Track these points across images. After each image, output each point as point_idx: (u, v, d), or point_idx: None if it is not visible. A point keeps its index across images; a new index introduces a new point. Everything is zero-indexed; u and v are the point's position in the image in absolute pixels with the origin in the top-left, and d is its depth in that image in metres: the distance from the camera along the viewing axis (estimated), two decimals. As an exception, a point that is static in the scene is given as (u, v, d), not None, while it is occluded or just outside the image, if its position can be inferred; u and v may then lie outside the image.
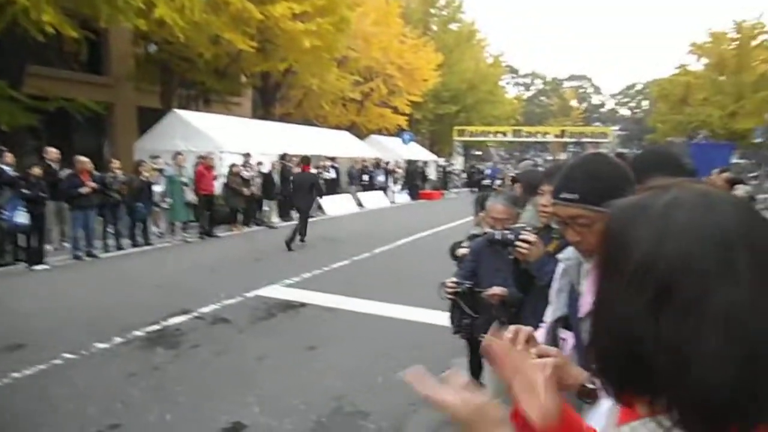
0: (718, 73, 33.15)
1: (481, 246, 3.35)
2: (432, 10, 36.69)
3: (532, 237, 2.39)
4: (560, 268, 1.65)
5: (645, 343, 0.59)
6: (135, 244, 10.34)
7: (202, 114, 17.30)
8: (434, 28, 36.14)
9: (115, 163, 10.08)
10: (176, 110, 15.91)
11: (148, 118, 17.92)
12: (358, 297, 7.03)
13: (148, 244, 10.52)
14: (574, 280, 1.56)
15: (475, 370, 4.09)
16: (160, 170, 11.05)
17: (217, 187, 12.57)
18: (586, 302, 1.47)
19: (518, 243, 2.40)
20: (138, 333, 5.49)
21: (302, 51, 16.79)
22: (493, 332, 1.01)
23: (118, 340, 5.29)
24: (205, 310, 6.31)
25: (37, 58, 16.87)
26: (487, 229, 3.64)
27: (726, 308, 0.56)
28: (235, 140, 15.07)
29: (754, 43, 31.89)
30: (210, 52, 16.09)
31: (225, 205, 12.78)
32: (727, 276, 0.57)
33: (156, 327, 5.69)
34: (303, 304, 6.64)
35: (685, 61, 35.94)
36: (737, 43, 32.33)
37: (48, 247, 9.05)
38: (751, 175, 23.10)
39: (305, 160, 11.27)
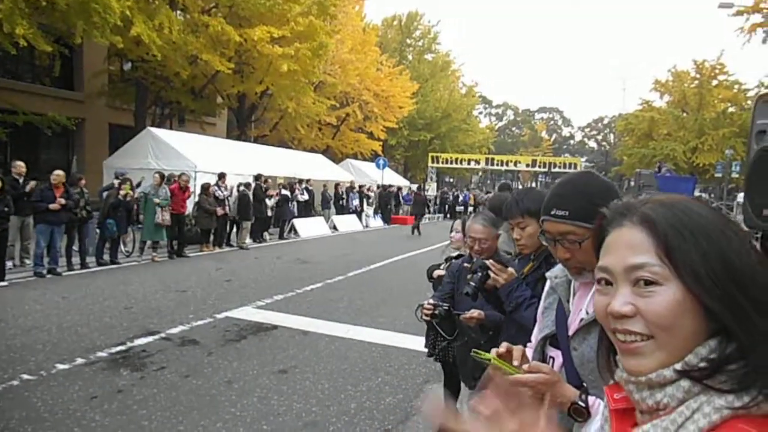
0: (681, 109, 34.60)
1: (458, 268, 3.37)
2: (408, 41, 37.52)
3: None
4: (547, 286, 1.67)
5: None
6: (101, 263, 10.03)
7: (176, 132, 17.12)
8: (410, 57, 36.90)
9: (81, 178, 9.82)
10: (150, 128, 15.70)
11: (120, 136, 17.67)
12: (331, 320, 6.95)
13: (114, 263, 10.22)
14: (563, 298, 1.57)
15: (452, 394, 4.07)
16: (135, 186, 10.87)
17: (189, 206, 12.38)
18: (576, 320, 1.48)
19: (491, 267, 2.44)
20: (102, 354, 5.29)
21: (280, 74, 16.88)
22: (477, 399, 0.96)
23: (80, 361, 5.08)
24: (173, 331, 6.13)
25: (7, 72, 16.55)
26: (464, 251, 3.69)
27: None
28: (209, 160, 14.92)
29: (714, 82, 33.46)
30: (187, 71, 16.05)
31: (195, 225, 12.55)
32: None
33: (121, 348, 5.49)
34: (275, 327, 6.52)
35: (649, 97, 37.51)
36: (698, 81, 33.88)
37: (8, 263, 8.70)
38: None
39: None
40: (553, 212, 1.49)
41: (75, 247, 9.72)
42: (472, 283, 2.65)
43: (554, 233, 1.49)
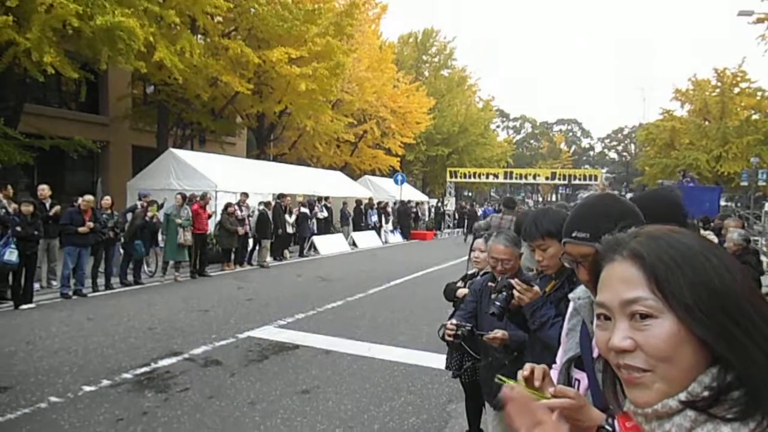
0: (702, 118, 34.03)
1: (481, 286, 3.33)
2: (424, 57, 37.76)
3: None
4: (570, 307, 1.65)
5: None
6: (125, 284, 10.19)
7: (197, 153, 17.43)
8: (426, 73, 37.10)
9: (107, 200, 10.01)
10: (172, 149, 16.01)
11: (143, 157, 18.04)
12: (353, 338, 6.92)
13: (138, 283, 10.37)
14: (587, 319, 1.55)
15: (474, 416, 4.00)
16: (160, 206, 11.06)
17: (211, 226, 12.54)
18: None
19: (515, 286, 2.42)
20: (127, 375, 5.34)
21: (298, 94, 17.11)
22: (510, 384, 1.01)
23: (105, 382, 5.14)
24: (197, 351, 6.17)
25: (35, 97, 17.08)
26: (487, 269, 3.65)
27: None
28: (230, 179, 15.13)
29: (736, 90, 32.88)
30: (207, 93, 16.38)
31: (217, 244, 12.69)
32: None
33: (145, 369, 5.54)
34: (296, 346, 6.52)
35: (669, 106, 36.96)
36: (719, 89, 33.33)
37: (35, 285, 8.89)
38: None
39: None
40: (574, 234, 1.50)
41: (100, 269, 9.90)
42: (498, 303, 2.63)
43: (576, 255, 1.49)
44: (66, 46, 12.51)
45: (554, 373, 1.57)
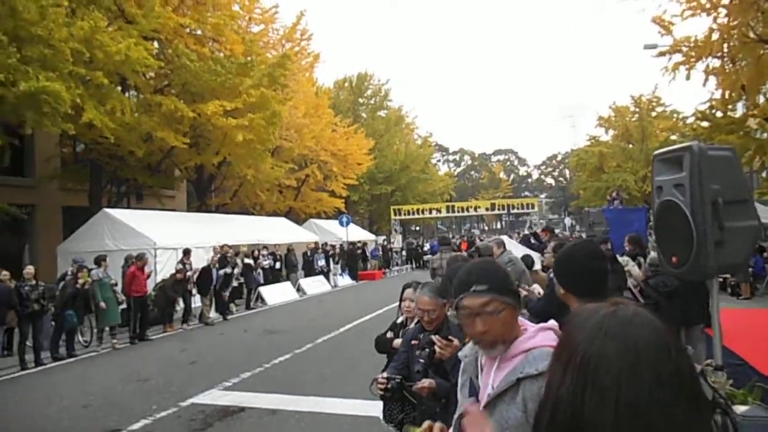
0: (626, 141, 36.38)
1: (412, 336, 3.44)
2: (360, 100, 38.70)
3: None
4: (462, 364, 1.80)
5: (575, 418, 0.79)
6: (57, 358, 9.60)
7: (133, 211, 16.92)
8: (364, 115, 37.95)
9: (30, 270, 9.50)
10: (105, 209, 15.48)
11: (75, 218, 17.30)
12: (301, 394, 6.83)
13: (72, 356, 9.81)
14: (473, 375, 1.69)
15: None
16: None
17: (151, 285, 12.12)
18: (485, 395, 1.60)
19: (436, 342, 2.55)
20: (58, 462, 5.04)
21: (235, 144, 17.07)
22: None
23: (34, 473, 4.82)
24: (135, 426, 5.90)
25: (-48, 165, 16.20)
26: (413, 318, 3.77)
27: (631, 400, 0.76)
28: (169, 235, 14.74)
29: (653, 113, 35.48)
30: (142, 149, 16.07)
31: (154, 308, 12.19)
32: (633, 376, 0.78)
33: (79, 453, 5.24)
34: (242, 409, 6.36)
35: (595, 132, 39.27)
36: (638, 115, 35.87)
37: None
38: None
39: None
40: (473, 288, 1.64)
41: (28, 343, 9.32)
42: (421, 360, 2.76)
43: (475, 307, 1.61)
44: (-14, 111, 12.06)
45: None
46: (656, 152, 3.03)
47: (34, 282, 9.37)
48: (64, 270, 11.51)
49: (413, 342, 3.21)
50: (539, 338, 1.59)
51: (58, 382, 8.08)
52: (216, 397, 6.91)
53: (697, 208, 2.56)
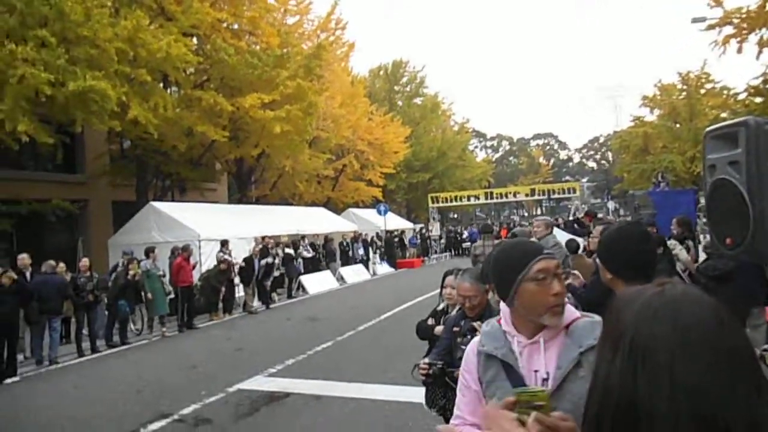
0: (673, 121, 34.90)
1: (455, 322, 3.43)
2: (396, 88, 38.51)
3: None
4: (478, 360, 1.78)
5: (627, 403, 0.76)
6: (111, 345, 10.07)
7: (177, 204, 17.44)
8: (400, 103, 37.78)
9: (85, 263, 9.95)
10: (152, 202, 16.02)
11: (124, 212, 17.98)
12: (344, 380, 6.92)
13: (125, 343, 10.26)
14: (515, 364, 1.65)
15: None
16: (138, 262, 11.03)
17: (196, 276, 12.50)
18: (538, 380, 1.58)
19: (477, 329, 2.52)
20: (116, 444, 5.29)
21: (274, 136, 17.31)
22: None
23: (94, 454, 5.08)
24: (186, 411, 6.12)
25: (9, 162, 17.08)
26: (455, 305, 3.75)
27: (686, 381, 0.73)
28: (212, 227, 15.13)
29: (702, 91, 33.85)
30: (184, 144, 16.50)
31: (200, 297, 12.57)
32: (687, 356, 0.75)
33: (135, 436, 5.49)
34: (287, 395, 6.50)
35: (639, 113, 37.88)
36: (686, 92, 34.30)
37: (19, 356, 8.76)
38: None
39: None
40: (545, 252, 1.65)
41: (84, 332, 9.80)
42: (463, 347, 2.74)
43: (552, 268, 1.61)
44: (39, 111, 12.63)
45: None
46: (708, 128, 2.87)
47: (88, 274, 9.81)
48: (115, 262, 12.02)
49: (455, 329, 3.19)
50: (567, 313, 1.61)
51: (112, 369, 8.47)
52: (261, 383, 7.09)
53: (754, 186, 2.42)
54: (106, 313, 10.39)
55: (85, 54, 11.76)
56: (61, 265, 9.44)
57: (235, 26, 18.07)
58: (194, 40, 17.10)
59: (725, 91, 32.92)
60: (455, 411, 1.79)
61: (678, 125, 34.41)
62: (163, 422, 5.81)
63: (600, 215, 17.70)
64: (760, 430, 0.72)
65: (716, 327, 0.78)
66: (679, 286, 0.85)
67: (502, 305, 1.74)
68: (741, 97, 19.49)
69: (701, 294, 0.83)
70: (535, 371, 1.59)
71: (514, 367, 1.60)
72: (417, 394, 6.07)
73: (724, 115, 32.87)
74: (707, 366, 0.74)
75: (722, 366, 0.74)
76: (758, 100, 16.71)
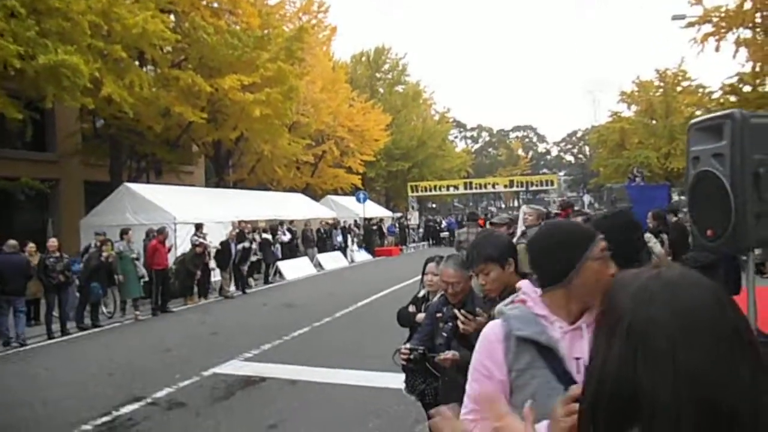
0: (649, 117, 35.50)
1: (436, 309, 3.43)
2: (378, 75, 38.25)
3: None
4: (515, 344, 1.68)
5: (626, 389, 0.73)
6: (82, 328, 9.84)
7: (153, 186, 17.09)
8: (381, 90, 37.56)
9: (53, 243, 9.65)
10: (126, 183, 15.66)
11: (97, 193, 17.53)
12: (320, 365, 6.91)
13: (96, 326, 10.05)
14: (564, 354, 1.59)
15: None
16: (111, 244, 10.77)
17: (171, 259, 12.29)
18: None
19: (459, 317, 2.52)
20: (87, 427, 5.18)
21: (253, 119, 17.04)
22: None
23: (64, 437, 4.97)
24: (160, 394, 6.03)
25: (-24, 140, 16.49)
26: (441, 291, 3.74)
27: (689, 364, 0.71)
28: (188, 210, 14.87)
29: (678, 88, 34.47)
30: (160, 125, 16.12)
31: (175, 281, 12.35)
32: (689, 339, 0.72)
33: (106, 419, 5.38)
34: (263, 379, 6.46)
35: (617, 108, 38.38)
36: (662, 89, 34.89)
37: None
38: (686, 209, 24.39)
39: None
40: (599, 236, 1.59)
41: (55, 313, 9.55)
42: (444, 334, 2.73)
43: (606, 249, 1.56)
44: (8, 86, 12.16)
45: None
46: (693, 121, 2.91)
47: (58, 254, 9.54)
48: (87, 243, 11.73)
49: (437, 315, 3.19)
50: None
51: (83, 351, 8.30)
52: (237, 367, 7.03)
53: (737, 179, 2.46)
54: (77, 294, 10.14)
55: (57, 26, 11.36)
56: (31, 245, 9.18)
57: (215, 5, 17.67)
58: (172, 17, 16.66)
59: (701, 89, 33.60)
60: (467, 403, 1.57)
61: (654, 122, 35.04)
62: (135, 405, 5.71)
63: (577, 208, 17.95)
64: (764, 413, 0.71)
65: (717, 310, 0.75)
66: (676, 268, 0.83)
67: (527, 289, 1.60)
68: (716, 95, 19.89)
69: (699, 276, 0.81)
70: (577, 359, 1.45)
71: (555, 353, 1.45)
72: (393, 379, 6.09)
73: (698, 112, 33.61)
74: (709, 350, 0.72)
75: (724, 350, 0.72)
76: (733, 98, 17.08)
